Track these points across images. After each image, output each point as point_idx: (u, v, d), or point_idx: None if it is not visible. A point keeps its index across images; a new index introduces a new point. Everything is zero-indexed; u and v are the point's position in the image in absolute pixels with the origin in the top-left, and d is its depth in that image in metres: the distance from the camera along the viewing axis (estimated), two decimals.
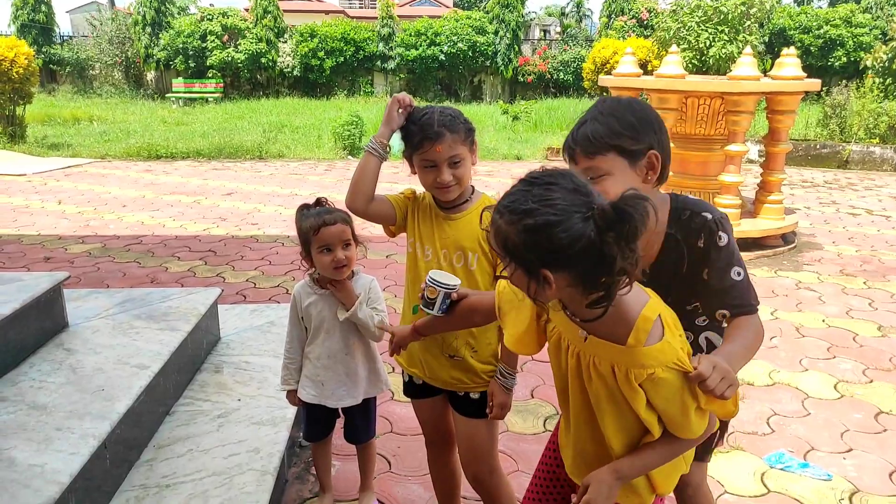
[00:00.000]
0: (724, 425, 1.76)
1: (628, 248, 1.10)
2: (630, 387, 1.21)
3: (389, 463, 2.58)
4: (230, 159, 10.51)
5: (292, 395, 2.15)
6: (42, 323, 2.49)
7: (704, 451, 1.75)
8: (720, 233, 1.45)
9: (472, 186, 1.86)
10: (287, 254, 5.43)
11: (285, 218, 6.67)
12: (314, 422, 2.20)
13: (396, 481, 2.48)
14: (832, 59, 17.07)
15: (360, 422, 2.20)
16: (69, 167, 9.70)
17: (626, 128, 1.43)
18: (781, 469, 2.56)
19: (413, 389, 1.99)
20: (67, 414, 1.99)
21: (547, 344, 1.39)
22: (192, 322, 2.73)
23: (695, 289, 1.49)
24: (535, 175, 1.19)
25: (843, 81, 11.43)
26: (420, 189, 1.90)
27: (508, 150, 10.59)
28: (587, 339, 1.26)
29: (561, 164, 1.40)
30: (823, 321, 4.07)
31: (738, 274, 1.45)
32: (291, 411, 2.50)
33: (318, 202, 2.04)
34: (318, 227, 1.94)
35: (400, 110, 1.77)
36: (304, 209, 2.03)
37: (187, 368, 2.71)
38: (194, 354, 2.79)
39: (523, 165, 9.78)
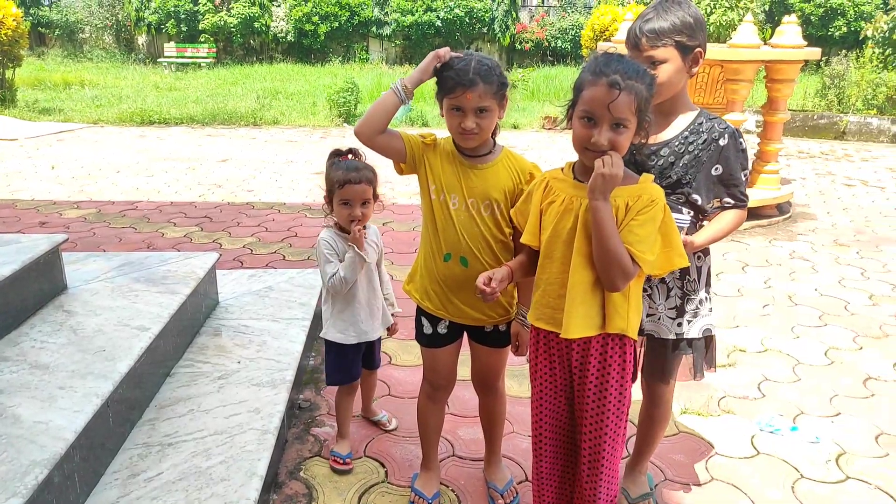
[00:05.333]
0: (711, 355, 2.06)
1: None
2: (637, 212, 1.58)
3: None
4: (224, 125, 10.41)
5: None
6: (41, 285, 2.49)
7: (698, 370, 2.02)
8: (741, 139, 1.85)
9: (494, 140, 1.93)
10: (283, 220, 5.42)
11: (281, 185, 6.64)
12: (347, 363, 2.36)
13: (395, 442, 2.53)
14: (832, 29, 16.88)
15: (377, 348, 2.50)
16: (62, 132, 9.59)
17: (685, 27, 1.77)
18: (771, 432, 2.62)
19: (437, 339, 2.06)
20: (69, 374, 2.01)
21: (546, 230, 1.70)
22: (190, 285, 2.74)
23: (697, 178, 1.84)
24: (606, 53, 1.57)
25: (843, 51, 11.30)
26: (441, 135, 1.96)
27: (505, 119, 10.43)
28: None
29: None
30: (816, 290, 4.12)
31: (746, 175, 1.88)
32: (291, 373, 2.54)
33: (351, 152, 2.19)
34: (343, 182, 2.12)
35: (438, 65, 1.81)
36: (335, 157, 2.19)
37: (187, 331, 2.73)
38: (193, 318, 2.81)
39: (520, 135, 9.73)
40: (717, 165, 1.84)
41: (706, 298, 1.97)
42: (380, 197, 2.24)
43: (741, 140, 1.85)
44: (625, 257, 1.54)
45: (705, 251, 1.94)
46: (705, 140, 1.83)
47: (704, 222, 1.91)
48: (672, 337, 1.95)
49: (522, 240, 1.78)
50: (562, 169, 1.74)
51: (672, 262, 1.63)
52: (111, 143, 8.81)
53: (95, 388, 1.94)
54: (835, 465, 2.43)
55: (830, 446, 2.54)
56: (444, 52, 1.81)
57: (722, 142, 1.82)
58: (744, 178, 1.87)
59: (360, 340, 2.33)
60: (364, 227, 2.20)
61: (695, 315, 1.95)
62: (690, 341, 1.97)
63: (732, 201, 1.87)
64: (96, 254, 3.18)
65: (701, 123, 1.86)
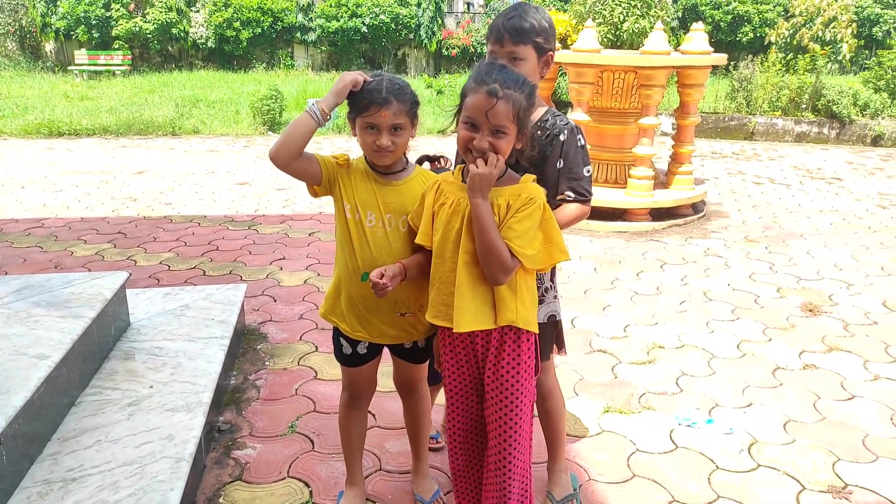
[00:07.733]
0: (559, 338, 2.16)
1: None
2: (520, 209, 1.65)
3: (312, 442, 2.57)
4: (140, 136, 9.98)
5: None
6: None
7: (544, 353, 2.11)
8: (580, 136, 1.95)
9: (406, 158, 1.95)
10: (203, 234, 5.24)
11: (202, 197, 6.42)
12: None
13: (321, 460, 2.47)
14: (740, 35, 17.80)
15: None
16: None
17: (542, 30, 1.90)
18: (688, 426, 2.71)
19: (357, 358, 2.05)
20: None
21: (438, 232, 1.75)
22: (96, 308, 2.60)
23: (543, 173, 1.89)
24: (490, 62, 1.69)
25: (750, 56, 11.94)
26: (353, 155, 1.95)
27: (433, 125, 10.54)
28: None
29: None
30: (728, 285, 4.31)
31: (588, 171, 1.96)
32: (207, 396, 2.44)
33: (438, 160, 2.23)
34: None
35: (353, 89, 1.81)
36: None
37: (94, 357, 2.58)
38: (101, 342, 2.66)
39: (447, 140, 9.78)
40: (559, 160, 1.93)
41: (551, 287, 2.08)
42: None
43: (580, 136, 1.95)
44: (503, 251, 1.62)
45: None
46: (548, 135, 1.93)
47: None
48: None
49: (416, 240, 1.83)
50: (452, 172, 1.80)
51: (553, 257, 1.73)
52: (15, 157, 8.28)
53: None
54: (747, 454, 2.54)
55: (743, 436, 2.65)
56: (361, 78, 1.81)
57: (562, 137, 1.92)
58: (586, 174, 1.95)
59: None
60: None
61: (540, 301, 2.02)
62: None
63: (573, 195, 1.95)
64: None
65: (546, 120, 1.95)
